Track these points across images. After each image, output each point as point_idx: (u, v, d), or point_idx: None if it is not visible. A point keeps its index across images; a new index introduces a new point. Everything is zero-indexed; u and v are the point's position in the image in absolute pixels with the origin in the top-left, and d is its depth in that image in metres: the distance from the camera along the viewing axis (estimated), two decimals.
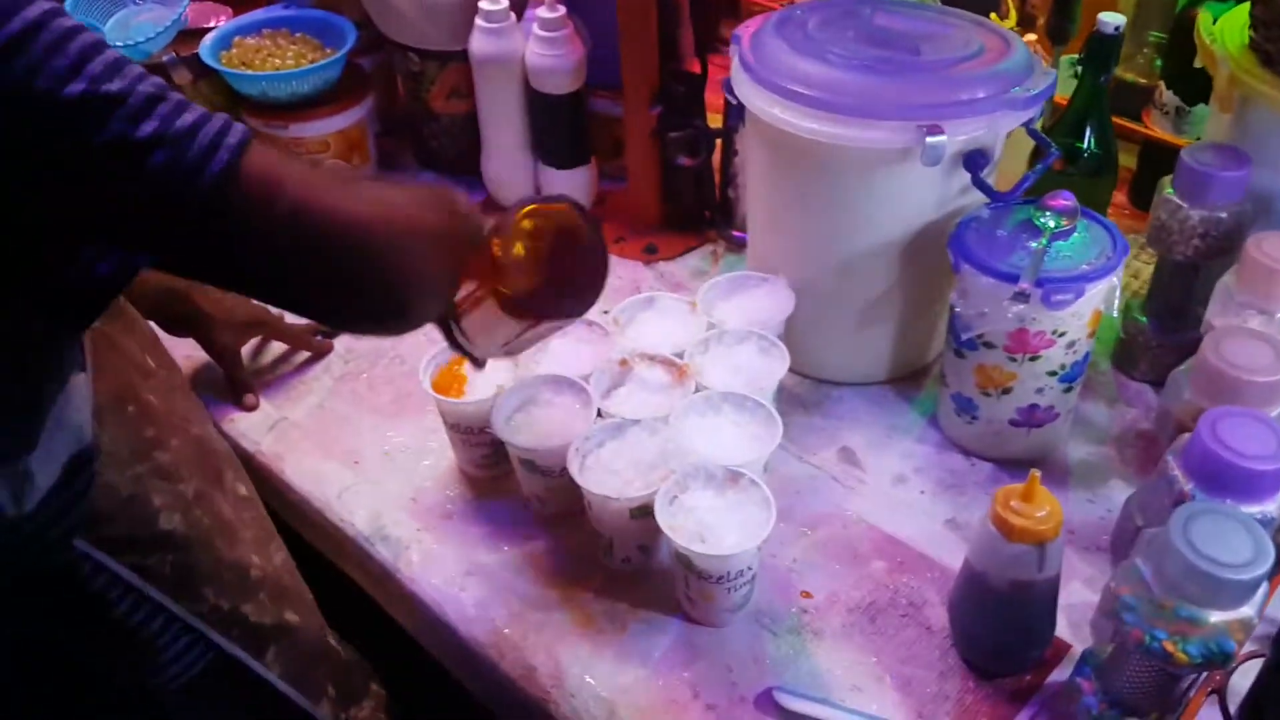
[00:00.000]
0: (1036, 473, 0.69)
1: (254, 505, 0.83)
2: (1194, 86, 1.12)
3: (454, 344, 0.72)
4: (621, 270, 1.20)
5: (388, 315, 0.60)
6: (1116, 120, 1.17)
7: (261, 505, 0.85)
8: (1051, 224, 0.86)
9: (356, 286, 0.55)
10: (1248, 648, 0.71)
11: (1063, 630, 0.80)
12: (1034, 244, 0.85)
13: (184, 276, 0.55)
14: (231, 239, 0.51)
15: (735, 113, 1.10)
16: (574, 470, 0.82)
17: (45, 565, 0.64)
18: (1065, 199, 0.87)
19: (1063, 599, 0.80)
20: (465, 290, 0.67)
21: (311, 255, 0.53)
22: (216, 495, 0.77)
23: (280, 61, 1.23)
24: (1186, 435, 0.71)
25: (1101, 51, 1.00)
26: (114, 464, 0.67)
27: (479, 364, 0.79)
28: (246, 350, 1.07)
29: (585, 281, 0.70)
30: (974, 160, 0.89)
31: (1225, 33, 0.96)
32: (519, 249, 0.66)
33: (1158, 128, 1.19)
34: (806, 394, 1.04)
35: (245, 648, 0.75)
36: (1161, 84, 1.17)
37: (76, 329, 0.61)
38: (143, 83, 0.48)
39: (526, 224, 0.67)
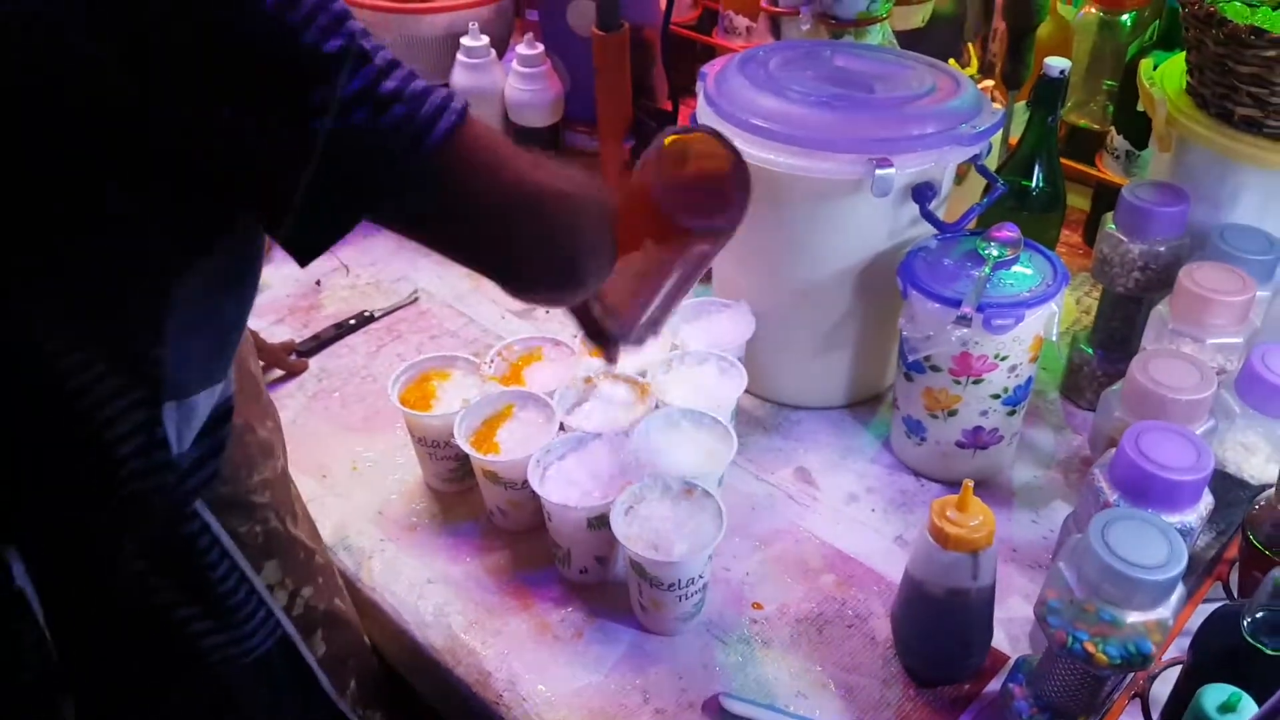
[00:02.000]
0: (969, 483, 0.72)
1: (302, 499, 0.84)
2: (1143, 131, 1.17)
3: (594, 331, 0.77)
4: None
5: (563, 273, 0.64)
6: (1071, 163, 1.23)
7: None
8: (995, 253, 0.90)
9: (539, 248, 0.60)
10: (1170, 654, 0.74)
11: (1002, 643, 0.83)
12: (978, 272, 0.89)
13: (389, 228, 0.57)
14: (448, 197, 0.55)
15: None
16: (534, 481, 0.85)
17: (174, 519, 0.66)
18: (1010, 230, 0.91)
19: (1003, 613, 0.83)
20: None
21: (518, 221, 0.58)
22: (289, 479, 0.80)
23: None
24: (1114, 449, 0.75)
25: (1048, 94, 1.05)
26: (234, 425, 0.69)
27: (614, 354, 0.80)
28: None
29: (731, 197, 0.74)
30: (922, 193, 0.93)
31: (1165, 78, 1.01)
32: (671, 173, 0.72)
33: (1109, 170, 1.23)
34: (767, 417, 1.07)
35: (299, 628, 0.76)
36: (1113, 129, 1.23)
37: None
38: (384, 50, 0.53)
39: (672, 148, 0.72)
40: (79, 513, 0.62)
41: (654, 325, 0.80)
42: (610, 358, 0.81)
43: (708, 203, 0.73)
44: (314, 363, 1.14)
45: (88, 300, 0.55)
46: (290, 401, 1.10)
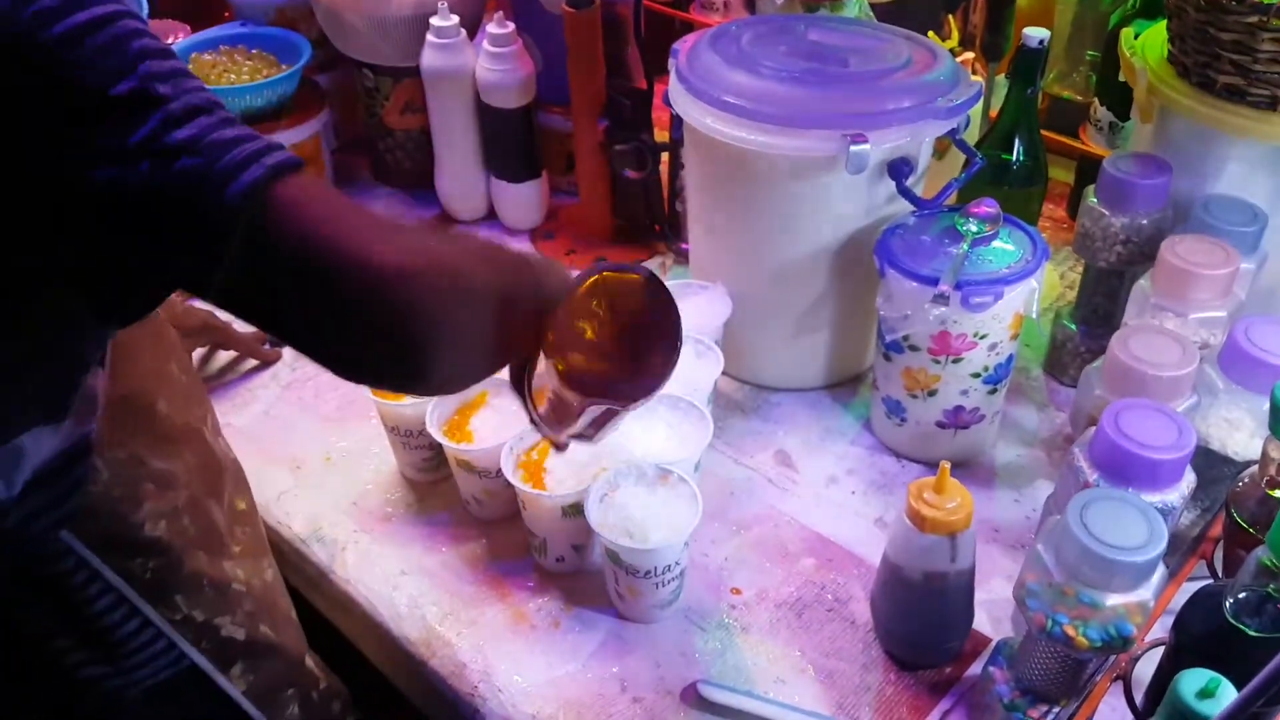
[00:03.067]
0: (946, 464, 0.71)
1: (251, 520, 0.82)
2: (1126, 102, 1.15)
3: (532, 422, 0.67)
4: None
5: (407, 375, 0.54)
6: (1054, 136, 1.21)
7: (260, 521, 0.85)
8: (974, 229, 0.88)
9: (373, 339, 0.51)
10: (1154, 634, 0.73)
11: (984, 625, 0.82)
12: (956, 249, 0.87)
13: (199, 296, 0.51)
14: (247, 263, 0.47)
15: (680, 127, 1.13)
16: (507, 470, 0.84)
17: (30, 555, 0.64)
18: (988, 206, 0.89)
19: (985, 595, 0.82)
20: (534, 361, 0.61)
21: (329, 296, 0.49)
22: (212, 506, 0.76)
23: (235, 77, 1.25)
24: (1094, 428, 0.73)
25: (1027, 65, 1.03)
26: (110, 464, 0.67)
27: (559, 447, 0.70)
28: (195, 356, 1.08)
29: (653, 365, 0.63)
30: (898, 169, 0.92)
31: (1146, 47, 0.99)
32: (581, 326, 0.60)
33: (1092, 142, 1.22)
34: (745, 399, 1.06)
35: (213, 660, 0.74)
36: (1096, 100, 1.21)
37: (124, 323, 0.57)
38: (194, 95, 0.47)
39: (592, 300, 0.61)
40: None
41: (588, 439, 0.69)
42: (556, 448, 0.72)
43: (619, 377, 0.63)
44: (287, 352, 1.13)
45: None
46: (263, 392, 1.08)
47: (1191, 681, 0.55)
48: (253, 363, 1.11)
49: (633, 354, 0.63)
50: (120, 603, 0.68)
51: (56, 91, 0.45)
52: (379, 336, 0.50)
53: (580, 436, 0.68)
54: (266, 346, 1.11)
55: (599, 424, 0.66)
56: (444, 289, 0.51)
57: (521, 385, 0.65)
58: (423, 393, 0.57)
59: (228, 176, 0.46)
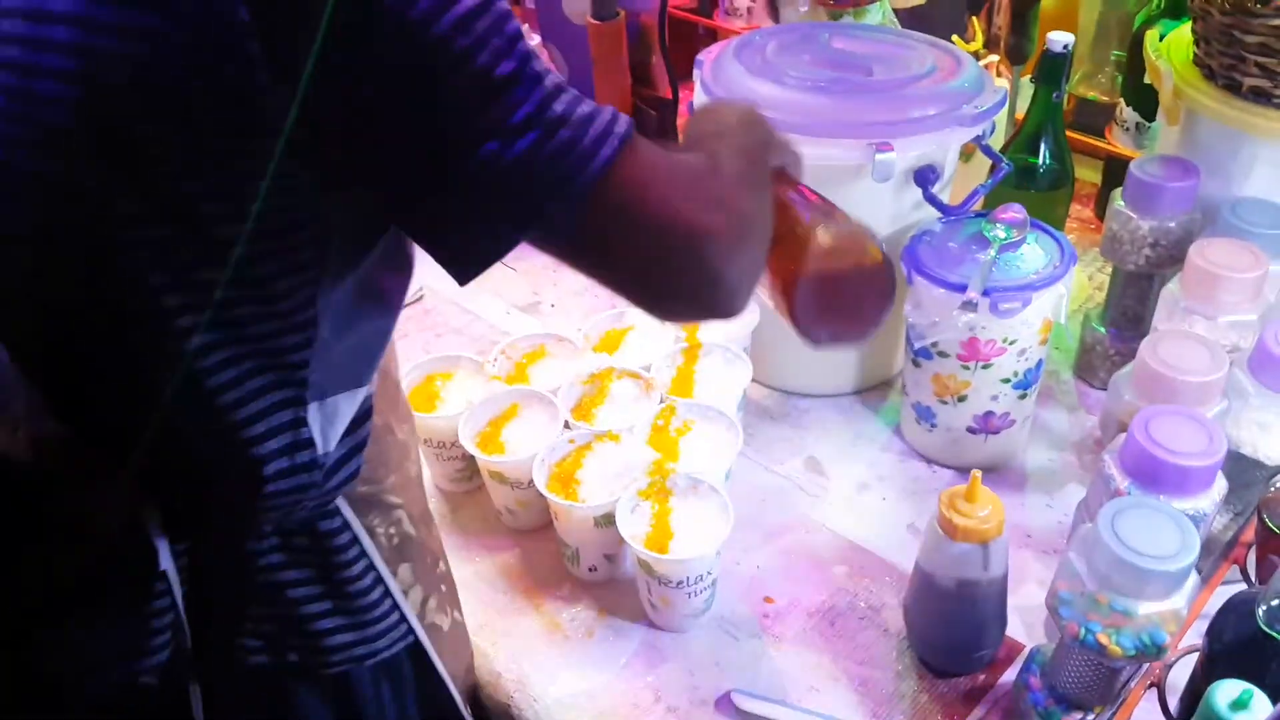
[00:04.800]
0: (977, 473, 0.71)
1: None
2: (1152, 102, 1.15)
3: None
4: (598, 288, 1.22)
5: (712, 311, 0.61)
6: (1081, 136, 1.21)
7: None
8: (1001, 235, 0.88)
9: (694, 285, 0.57)
10: (1187, 641, 0.73)
11: (1017, 631, 0.82)
12: (983, 255, 0.87)
13: (537, 248, 0.56)
14: (601, 224, 0.53)
15: None
16: (539, 481, 0.85)
17: (314, 513, 0.66)
18: (1015, 212, 0.89)
19: (1018, 601, 0.82)
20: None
21: (667, 254, 0.55)
22: (422, 484, 0.79)
23: None
24: (1124, 434, 0.73)
25: (1052, 70, 1.03)
26: (374, 426, 0.69)
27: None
28: None
29: (868, 307, 0.71)
30: (924, 176, 0.92)
31: (1171, 49, 0.98)
32: (818, 260, 0.68)
33: (1119, 143, 1.21)
34: (775, 406, 1.06)
35: (431, 639, 0.74)
36: (1122, 100, 1.20)
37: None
38: (551, 71, 0.52)
39: (822, 238, 0.68)
40: (226, 506, 0.62)
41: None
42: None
43: (843, 311, 0.70)
44: None
45: (240, 306, 0.55)
46: None
47: (1224, 693, 0.55)
48: None
49: (854, 300, 0.71)
50: (370, 568, 0.68)
51: (449, 78, 0.48)
52: (690, 279, 0.57)
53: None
54: None
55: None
56: (741, 240, 0.58)
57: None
58: (714, 318, 0.63)
59: (595, 148, 0.51)
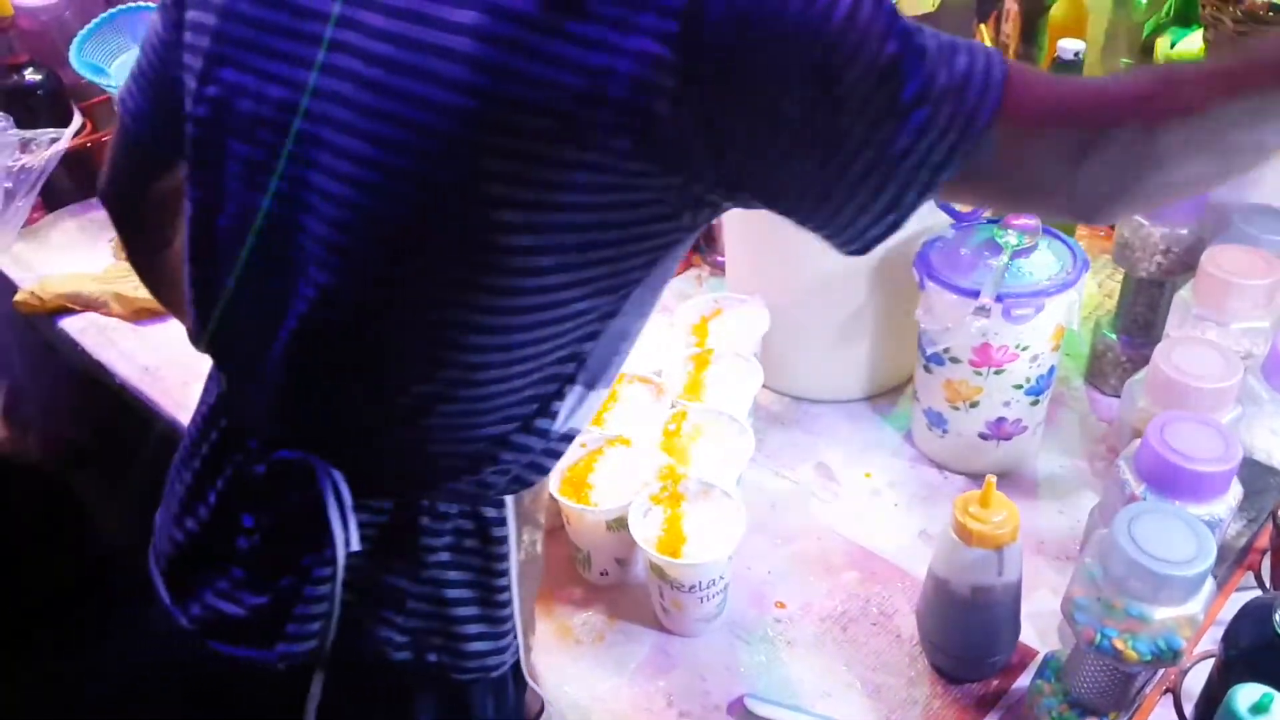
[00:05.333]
0: (992, 478, 0.71)
1: None
2: None
3: None
4: None
5: (1146, 200, 0.59)
6: None
7: None
8: (1013, 241, 0.88)
9: (1121, 173, 0.55)
10: (1202, 647, 0.73)
11: (1030, 638, 0.82)
12: (996, 261, 0.87)
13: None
14: (1008, 159, 0.53)
15: None
16: (552, 485, 0.85)
17: (489, 519, 0.67)
18: (1027, 217, 0.89)
19: (1031, 607, 0.82)
20: None
21: (1084, 153, 0.53)
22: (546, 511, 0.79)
23: None
24: (1139, 440, 0.73)
25: None
26: None
27: None
28: None
29: None
30: None
31: (1182, 56, 0.99)
32: None
33: None
34: (785, 411, 1.06)
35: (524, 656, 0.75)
36: None
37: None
38: (929, 33, 0.52)
39: None
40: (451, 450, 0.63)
41: None
42: None
43: None
44: None
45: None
46: None
47: (1245, 696, 0.55)
48: None
49: None
50: (509, 579, 0.69)
51: (846, 72, 0.50)
52: (1115, 170, 0.54)
53: None
54: None
55: None
56: (1168, 119, 0.53)
57: None
58: (1149, 207, 0.62)
59: (980, 102, 0.51)
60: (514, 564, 0.68)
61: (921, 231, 0.95)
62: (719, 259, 1.24)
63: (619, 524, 0.84)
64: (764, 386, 0.95)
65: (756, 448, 0.89)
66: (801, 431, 1.04)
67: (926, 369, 0.93)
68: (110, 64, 1.36)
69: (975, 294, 0.85)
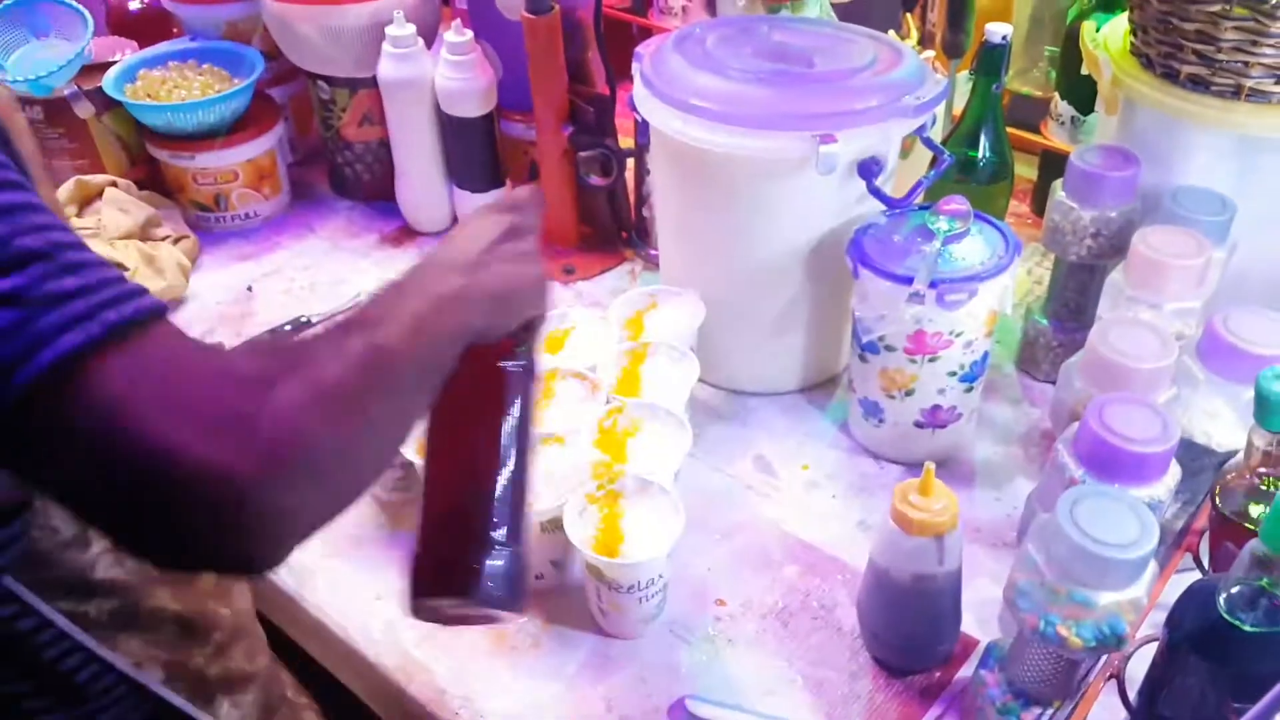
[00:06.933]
0: (931, 465, 0.70)
1: None
2: (1087, 96, 1.16)
3: None
4: None
5: (236, 566, 0.51)
6: (1016, 132, 1.21)
7: None
8: (945, 227, 0.87)
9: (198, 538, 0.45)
10: (1143, 632, 0.72)
11: (971, 627, 0.81)
12: (928, 247, 0.86)
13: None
14: (37, 442, 0.43)
15: (645, 132, 1.12)
16: None
17: None
18: (958, 203, 0.88)
19: (970, 595, 0.81)
20: None
21: (140, 494, 0.43)
22: None
23: (186, 93, 1.22)
24: (1077, 424, 0.72)
25: (990, 61, 1.03)
26: (59, 509, 0.64)
27: None
28: None
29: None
30: (868, 168, 0.91)
31: (1108, 39, 0.99)
32: None
33: (1055, 137, 1.22)
34: (722, 405, 1.05)
35: (191, 698, 0.72)
36: (1056, 95, 1.21)
37: None
38: (33, 236, 0.43)
39: None
40: None
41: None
42: None
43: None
44: None
45: None
46: None
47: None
48: None
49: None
50: (75, 649, 0.65)
51: None
52: (175, 526, 0.44)
53: None
54: None
55: None
56: (278, 478, 0.45)
57: None
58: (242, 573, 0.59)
59: (40, 341, 0.41)
60: (76, 633, 0.64)
61: (853, 220, 0.94)
62: (653, 252, 1.22)
63: (554, 525, 0.81)
64: (700, 380, 0.93)
65: (693, 442, 0.87)
66: (738, 425, 1.02)
67: (862, 358, 0.92)
68: (7, 59, 1.29)
69: (909, 280, 0.84)
